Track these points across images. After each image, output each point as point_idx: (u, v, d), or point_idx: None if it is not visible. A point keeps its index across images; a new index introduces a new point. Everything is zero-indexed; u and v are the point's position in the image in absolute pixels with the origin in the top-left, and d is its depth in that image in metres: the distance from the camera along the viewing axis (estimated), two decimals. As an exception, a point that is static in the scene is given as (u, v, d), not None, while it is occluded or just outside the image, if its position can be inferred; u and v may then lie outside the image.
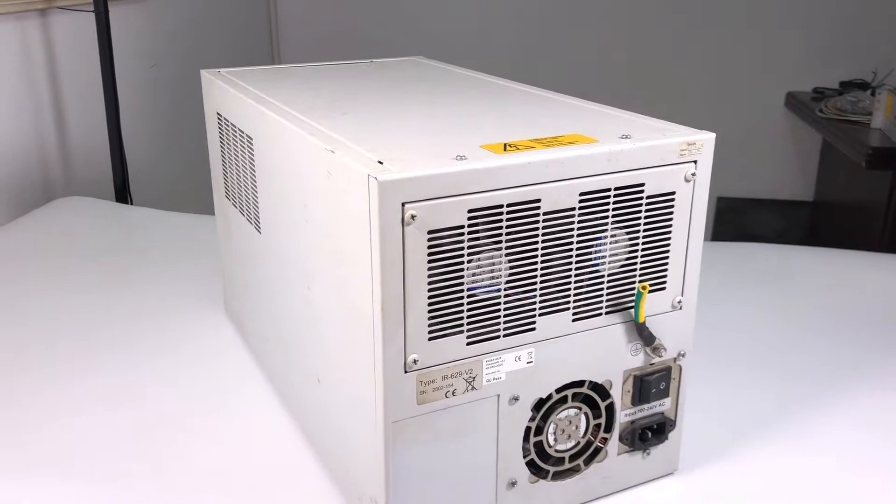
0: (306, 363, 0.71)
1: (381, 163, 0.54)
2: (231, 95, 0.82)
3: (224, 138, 0.87)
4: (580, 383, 0.63)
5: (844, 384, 0.87)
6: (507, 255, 0.56)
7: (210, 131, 0.92)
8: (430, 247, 0.53)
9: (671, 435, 0.69)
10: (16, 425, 0.78)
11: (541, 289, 0.58)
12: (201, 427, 0.78)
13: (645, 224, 0.61)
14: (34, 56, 1.45)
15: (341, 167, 0.56)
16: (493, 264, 0.56)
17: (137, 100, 1.78)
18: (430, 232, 0.53)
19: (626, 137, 0.60)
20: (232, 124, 0.83)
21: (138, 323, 0.99)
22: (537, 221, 0.57)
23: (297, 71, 0.92)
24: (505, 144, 0.58)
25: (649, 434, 0.68)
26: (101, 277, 1.13)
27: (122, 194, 1.49)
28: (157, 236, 1.31)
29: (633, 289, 0.62)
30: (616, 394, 0.65)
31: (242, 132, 0.79)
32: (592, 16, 2.61)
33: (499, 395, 0.60)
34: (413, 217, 0.52)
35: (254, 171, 0.77)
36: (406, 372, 0.55)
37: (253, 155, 0.77)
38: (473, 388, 0.58)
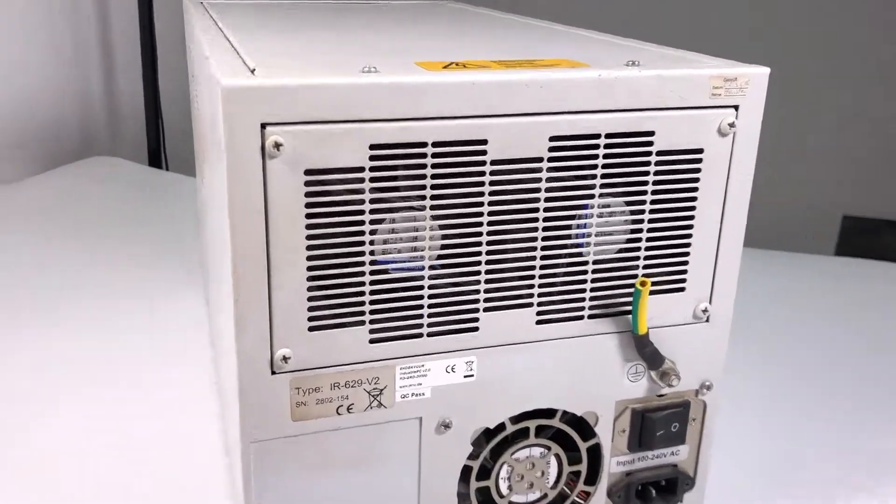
0: (225, 341, 0.56)
1: (252, 71, 0.37)
2: (198, 24, 0.67)
3: (189, 67, 0.73)
4: (549, 413, 0.45)
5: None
6: (435, 217, 0.39)
7: (190, 68, 0.79)
8: (309, 194, 0.37)
9: (687, 497, 0.50)
10: None
11: (488, 272, 0.41)
12: (125, 416, 0.64)
13: (654, 192, 0.42)
14: (83, 7, 1.38)
15: (209, 79, 0.40)
16: (416, 229, 0.39)
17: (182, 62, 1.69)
18: (308, 172, 0.36)
19: (633, 64, 0.41)
20: (195, 51, 0.69)
21: (118, 291, 0.87)
22: (482, 173, 0.39)
23: (274, 5, 0.77)
24: (449, 63, 0.41)
25: (653, 492, 0.49)
26: (102, 238, 1.02)
27: (156, 158, 1.39)
28: (181, 203, 1.19)
29: (632, 284, 0.43)
30: (604, 432, 0.46)
31: (200, 54, 0.65)
32: None
33: (421, 419, 0.42)
34: (278, 146, 0.35)
35: (196, 107, 0.63)
36: (274, 373, 0.39)
37: (192, 87, 0.62)
38: (381, 404, 0.41)
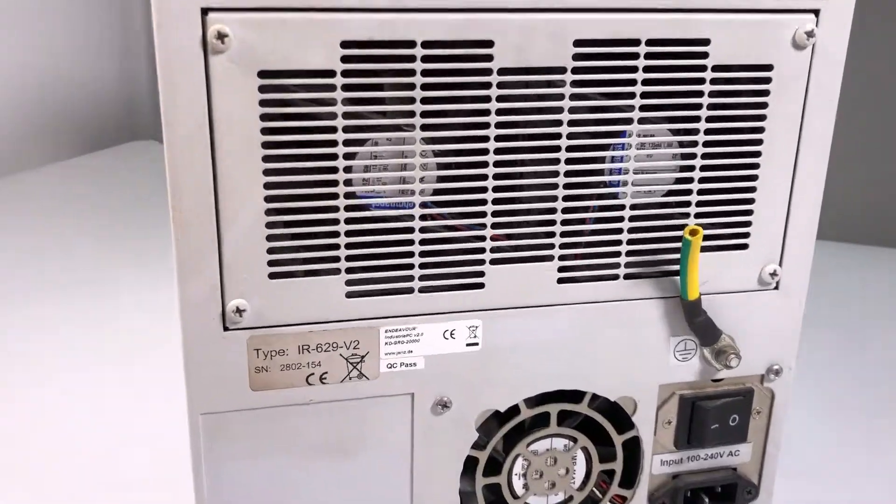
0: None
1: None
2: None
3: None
4: (574, 396, 0.37)
5: None
6: (427, 140, 0.31)
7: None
8: (266, 103, 0.29)
9: (749, 508, 0.40)
10: None
11: (496, 214, 0.33)
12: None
13: (709, 119, 0.33)
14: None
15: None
16: (404, 156, 0.31)
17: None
18: (263, 75, 0.29)
19: (685, -43, 0.33)
20: None
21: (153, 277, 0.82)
22: (487, 85, 0.31)
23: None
24: (453, -48, 0.33)
25: (706, 500, 0.40)
26: (136, 223, 0.98)
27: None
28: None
29: (680, 237, 0.35)
30: (644, 423, 0.38)
31: None
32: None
33: (413, 395, 0.34)
34: (222, 38, 0.28)
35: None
36: (227, 329, 0.32)
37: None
38: (362, 375, 0.34)
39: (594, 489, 0.39)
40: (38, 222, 0.98)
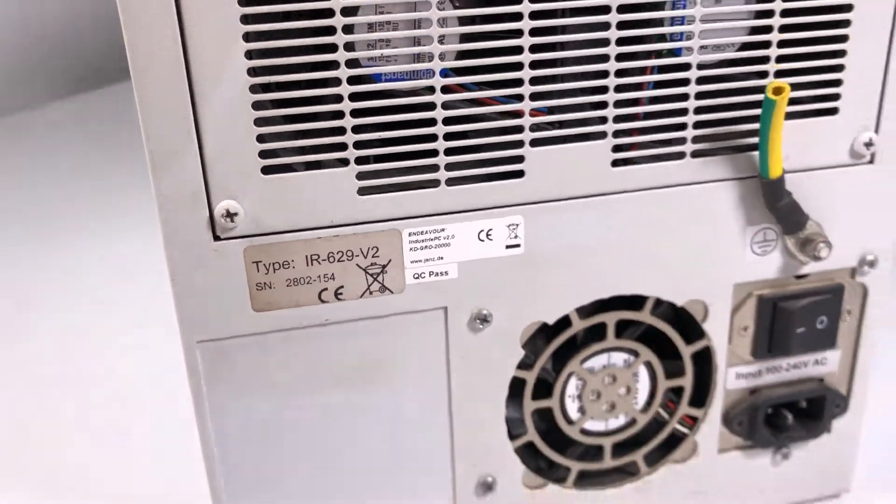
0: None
1: None
2: None
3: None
4: (635, 302, 0.31)
5: None
6: (446, -8, 0.25)
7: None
8: (241, -53, 0.23)
9: (838, 424, 0.35)
10: None
11: (534, 80, 0.27)
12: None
13: (792, -50, 0.27)
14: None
15: None
16: (417, 8, 0.25)
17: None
18: None
19: None
20: None
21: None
22: (518, -86, 0.25)
23: None
24: None
25: (790, 418, 0.35)
26: (124, 163, 0.94)
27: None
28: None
29: (757, 102, 0.28)
30: (717, 331, 0.32)
31: None
32: None
33: (446, 310, 0.29)
34: None
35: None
36: (217, 238, 0.26)
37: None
38: (385, 287, 0.28)
39: (660, 409, 0.33)
40: (40, 162, 0.94)
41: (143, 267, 0.63)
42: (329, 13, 0.24)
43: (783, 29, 0.28)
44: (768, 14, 0.28)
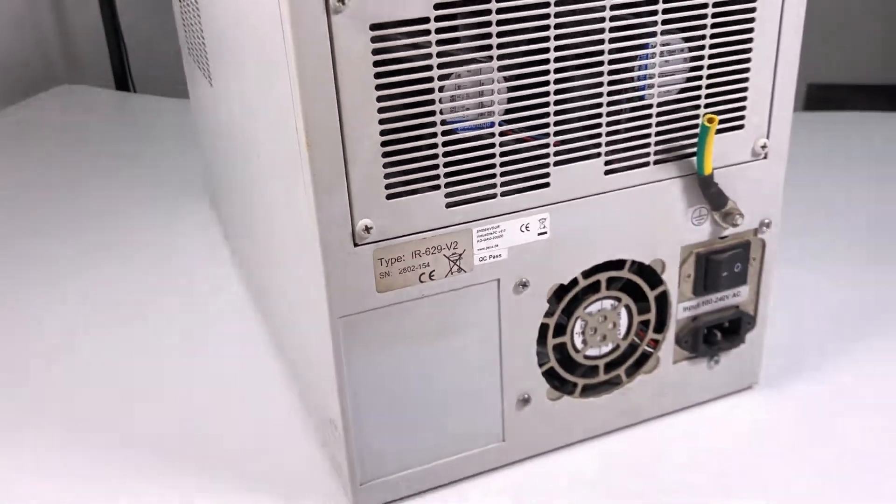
0: (262, 244, 0.55)
1: (300, -74, 0.35)
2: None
3: (173, -25, 0.69)
4: (618, 264, 0.45)
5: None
6: (501, 68, 0.38)
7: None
8: (376, 51, 0.35)
9: (750, 336, 0.51)
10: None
11: (556, 124, 0.40)
12: (157, 339, 0.63)
13: (713, 27, 0.41)
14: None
15: (249, -57, 0.38)
16: (481, 82, 0.38)
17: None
18: (374, 27, 0.35)
19: None
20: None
21: (112, 220, 0.84)
22: (547, 16, 0.38)
23: None
24: None
25: (718, 335, 0.50)
26: (92, 167, 1.00)
27: (123, 81, 1.34)
28: (156, 124, 1.16)
29: (694, 125, 0.43)
30: (671, 279, 0.47)
31: (183, -43, 0.61)
32: None
33: (499, 280, 0.42)
34: (343, 1, 0.34)
35: (198, 10, 0.60)
36: (356, 245, 0.38)
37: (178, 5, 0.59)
38: (461, 269, 0.41)
39: (634, 337, 0.48)
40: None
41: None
42: (430, 91, 0.37)
43: (709, 76, 0.42)
44: (699, 68, 0.42)
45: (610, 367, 0.48)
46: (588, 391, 0.48)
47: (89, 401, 0.56)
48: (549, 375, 0.46)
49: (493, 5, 0.36)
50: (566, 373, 0.47)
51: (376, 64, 0.35)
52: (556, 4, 0.37)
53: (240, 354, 0.60)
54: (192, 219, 0.82)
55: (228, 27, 0.49)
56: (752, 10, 0.42)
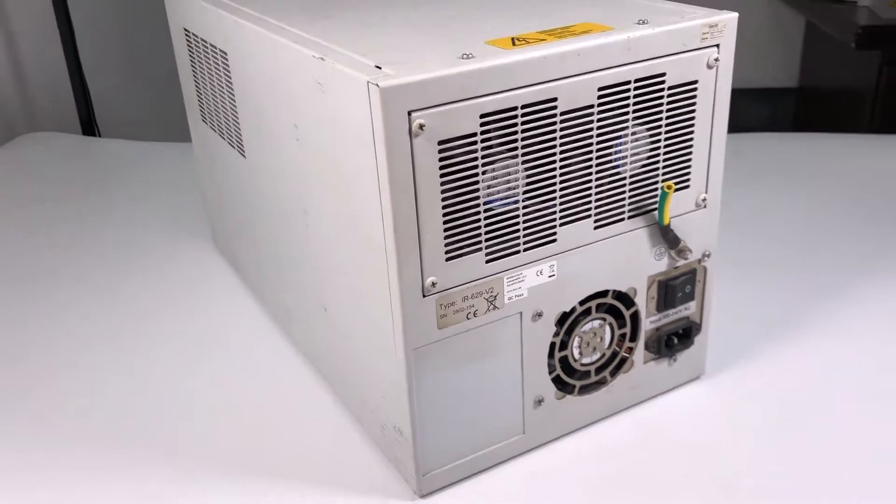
0: (309, 291, 0.67)
1: (378, 67, 0.48)
2: (198, 7, 0.74)
3: (195, 56, 0.80)
4: (604, 293, 0.60)
5: (868, 271, 0.84)
6: (523, 161, 0.52)
7: (178, 50, 0.85)
8: (441, 159, 0.49)
9: (697, 339, 0.66)
10: (9, 382, 0.74)
11: (560, 196, 0.54)
12: (200, 366, 0.74)
13: (667, 118, 0.56)
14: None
15: (335, 76, 0.50)
16: (509, 173, 0.52)
17: (89, 24, 1.67)
18: (440, 143, 0.48)
19: (643, 23, 0.55)
20: (202, 40, 0.76)
21: (121, 261, 0.94)
22: (554, 122, 0.52)
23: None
24: (513, 39, 0.53)
25: (675, 340, 0.65)
26: (78, 213, 1.08)
27: (89, 126, 1.41)
28: (132, 168, 1.24)
29: (655, 190, 0.58)
30: (640, 301, 0.62)
31: (215, 48, 0.73)
32: None
33: (521, 313, 0.56)
34: (422, 127, 0.47)
35: (231, 89, 0.71)
36: (424, 296, 0.51)
37: (229, 72, 0.70)
38: (495, 307, 0.55)
39: (615, 346, 0.63)
40: None
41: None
42: (475, 182, 0.50)
43: (665, 154, 0.57)
44: (658, 147, 0.57)
45: (599, 370, 0.62)
46: (583, 390, 0.62)
47: (143, 418, 0.67)
48: (556, 381, 0.60)
49: (519, 119, 0.50)
50: (568, 378, 0.61)
51: (441, 168, 0.49)
52: (561, 115, 0.52)
53: (279, 378, 0.72)
54: (191, 255, 0.93)
55: (282, 125, 0.61)
56: (694, 105, 0.57)
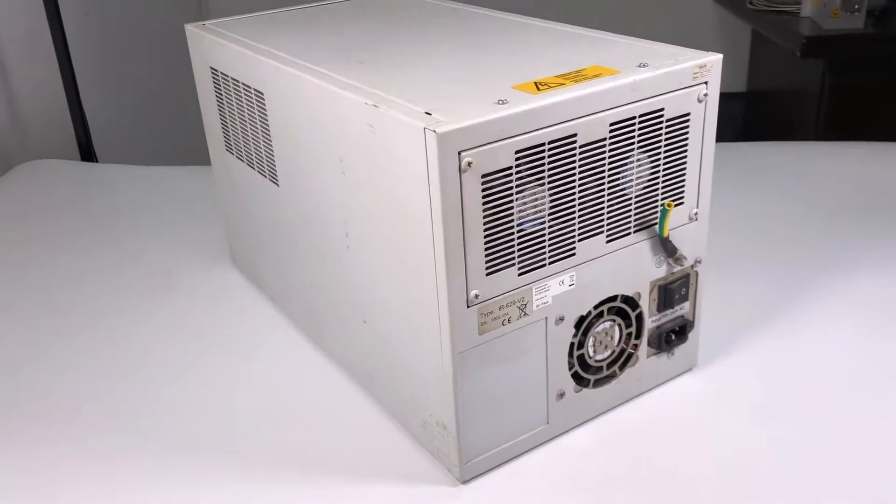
0: (346, 304, 0.75)
1: (428, 114, 0.56)
2: (230, 50, 0.82)
3: (224, 94, 0.87)
4: (614, 298, 0.69)
5: (837, 267, 0.95)
6: (549, 189, 0.60)
7: (202, 86, 0.92)
8: (483, 190, 0.57)
9: (691, 335, 0.76)
10: (36, 404, 0.80)
11: (579, 216, 0.63)
12: (240, 375, 0.81)
13: (665, 146, 0.65)
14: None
15: (388, 121, 0.58)
16: (537, 199, 0.60)
17: (78, 51, 1.72)
18: (483, 176, 0.57)
19: (644, 66, 0.64)
20: (233, 79, 0.83)
21: (146, 283, 1.00)
22: (574, 155, 0.60)
23: (283, 17, 0.92)
24: (536, 83, 0.61)
25: (673, 336, 0.74)
26: (92, 240, 1.13)
27: (88, 153, 1.46)
28: (137, 193, 1.30)
29: (656, 207, 0.67)
30: (644, 304, 0.71)
31: (248, 87, 0.80)
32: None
33: (546, 318, 0.65)
34: (469, 164, 0.55)
35: (266, 126, 0.79)
36: (468, 307, 0.60)
37: (265, 110, 0.78)
38: (525, 314, 0.63)
39: (623, 344, 0.72)
40: None
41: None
42: (511, 207, 0.59)
43: (664, 176, 0.66)
44: (657, 171, 0.66)
45: (610, 365, 0.71)
46: (597, 384, 0.71)
47: (195, 422, 0.74)
48: (574, 376, 0.69)
49: (546, 154, 0.59)
50: (584, 373, 0.70)
51: (483, 197, 0.57)
52: (580, 148, 0.60)
53: (316, 382, 0.79)
54: (214, 273, 1.00)
55: (326, 158, 0.69)
56: (687, 134, 0.66)
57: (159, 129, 1.86)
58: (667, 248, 0.69)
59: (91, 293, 0.99)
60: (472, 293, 0.59)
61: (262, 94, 0.78)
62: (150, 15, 1.88)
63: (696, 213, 0.70)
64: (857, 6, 2.04)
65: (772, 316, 0.86)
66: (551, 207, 0.61)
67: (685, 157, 0.67)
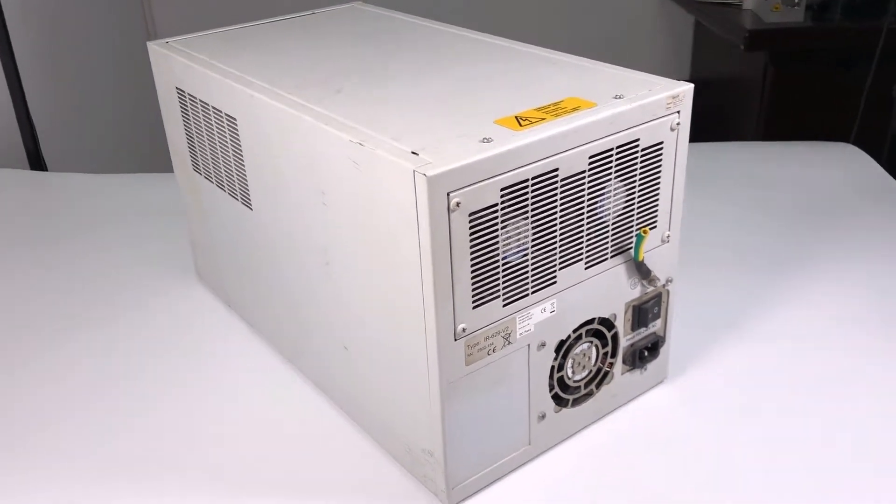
0: (327, 331, 0.75)
1: (415, 153, 0.57)
2: (198, 73, 0.80)
3: (192, 115, 0.86)
4: (591, 321, 0.71)
5: (794, 272, 0.98)
6: (532, 222, 0.62)
7: (167, 106, 0.91)
8: (471, 227, 0.58)
9: (662, 350, 0.78)
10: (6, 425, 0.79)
11: (560, 246, 0.64)
12: (215, 398, 0.81)
13: (640, 174, 0.67)
14: None
15: (373, 159, 0.59)
16: (521, 232, 0.61)
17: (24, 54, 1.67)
18: (470, 214, 0.57)
19: (619, 97, 0.65)
20: (202, 102, 0.82)
21: (106, 300, 0.99)
22: (556, 188, 0.62)
23: (249, 34, 0.91)
24: (517, 118, 0.62)
25: (646, 353, 0.77)
26: (46, 253, 1.10)
27: (37, 160, 1.42)
28: (92, 202, 1.27)
29: (632, 232, 0.69)
30: (619, 324, 0.73)
31: (219, 111, 0.79)
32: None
33: (529, 345, 0.66)
34: (458, 204, 0.56)
35: (239, 151, 0.78)
36: (456, 339, 0.61)
37: (238, 135, 0.77)
38: (509, 342, 0.65)
39: (599, 363, 0.74)
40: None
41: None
42: (496, 240, 0.60)
43: (638, 202, 0.68)
44: (633, 198, 0.68)
45: (587, 384, 0.73)
46: (575, 403, 0.73)
47: (176, 446, 0.74)
48: (555, 398, 0.71)
49: (529, 188, 0.60)
50: (564, 394, 0.72)
51: (470, 234, 0.58)
52: (561, 181, 0.62)
53: (294, 406, 0.79)
54: (177, 286, 0.99)
55: (306, 189, 0.69)
56: (660, 162, 0.68)
57: (109, 136, 1.82)
58: (641, 271, 0.71)
59: (47, 313, 0.97)
60: (460, 327, 0.60)
61: (234, 119, 0.77)
62: (91, 19, 1.83)
63: (668, 236, 0.72)
64: (797, 0, 2.10)
65: (735, 323, 0.90)
66: (534, 239, 0.62)
67: (658, 183, 0.69)
